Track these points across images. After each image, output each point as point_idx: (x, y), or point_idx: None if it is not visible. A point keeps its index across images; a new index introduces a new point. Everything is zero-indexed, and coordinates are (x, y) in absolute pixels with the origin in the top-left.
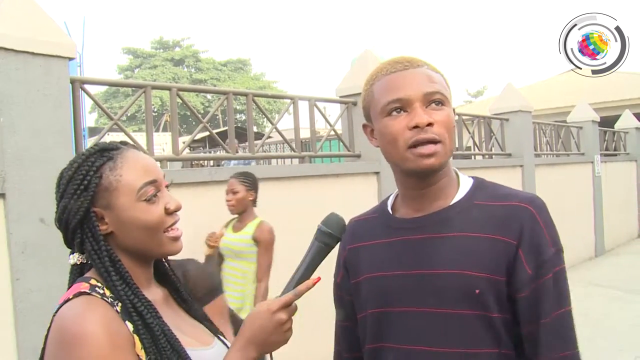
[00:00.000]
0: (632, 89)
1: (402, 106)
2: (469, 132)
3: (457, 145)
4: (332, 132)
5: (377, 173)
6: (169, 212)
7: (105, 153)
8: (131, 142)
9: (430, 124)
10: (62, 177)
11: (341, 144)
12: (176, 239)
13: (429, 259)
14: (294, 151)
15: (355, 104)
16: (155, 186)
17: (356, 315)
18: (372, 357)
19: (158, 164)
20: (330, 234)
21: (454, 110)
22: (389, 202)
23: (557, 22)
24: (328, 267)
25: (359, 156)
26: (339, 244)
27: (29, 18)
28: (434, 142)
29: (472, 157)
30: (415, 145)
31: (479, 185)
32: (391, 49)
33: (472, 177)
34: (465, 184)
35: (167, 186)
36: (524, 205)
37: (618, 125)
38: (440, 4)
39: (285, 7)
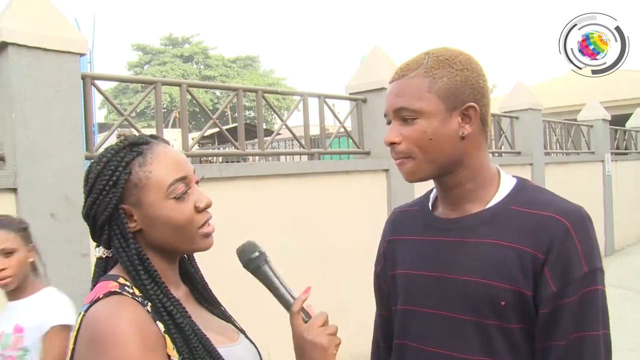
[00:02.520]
0: None
1: (388, 120)
2: None
3: None
4: (342, 129)
5: (386, 170)
6: (198, 210)
7: (135, 148)
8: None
9: (393, 143)
10: (91, 171)
11: (350, 141)
12: (208, 235)
13: (457, 264)
14: (304, 148)
15: (365, 101)
16: (186, 183)
17: (391, 306)
18: (397, 352)
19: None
20: (248, 260)
21: (472, 106)
22: (432, 196)
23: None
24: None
25: (368, 153)
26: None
27: (41, 14)
28: (398, 159)
29: None
30: (394, 159)
31: (520, 188)
32: (401, 46)
33: (516, 178)
34: (505, 186)
35: (197, 182)
36: (558, 218)
37: (629, 124)
38: (450, 1)
39: (294, 3)
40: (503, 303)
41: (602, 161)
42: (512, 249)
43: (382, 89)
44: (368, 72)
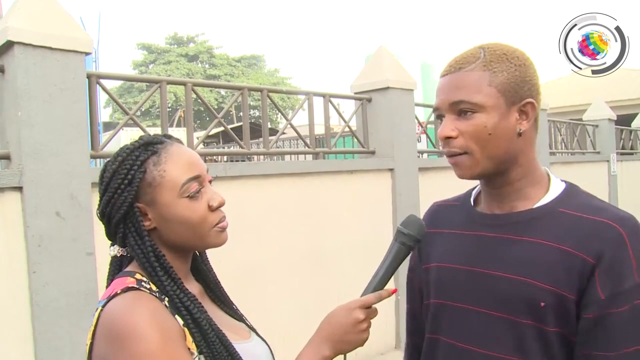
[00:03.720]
0: None
1: (439, 115)
2: None
3: None
4: (347, 129)
5: (391, 170)
6: (212, 209)
7: (150, 147)
8: (175, 136)
9: (449, 137)
10: (106, 170)
11: (355, 140)
12: (223, 229)
13: (498, 260)
14: (308, 147)
15: (369, 100)
16: (199, 182)
17: (423, 300)
18: (428, 347)
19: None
20: (410, 235)
21: (530, 102)
22: (474, 193)
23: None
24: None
25: (373, 152)
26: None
27: (46, 13)
28: (454, 155)
29: None
30: (448, 155)
31: (571, 192)
32: (406, 45)
33: (566, 183)
34: (555, 189)
35: (210, 181)
36: (613, 225)
37: (635, 124)
38: (453, 2)
39: (299, 3)
40: (543, 304)
41: (608, 161)
42: (559, 250)
43: (387, 88)
44: (373, 72)
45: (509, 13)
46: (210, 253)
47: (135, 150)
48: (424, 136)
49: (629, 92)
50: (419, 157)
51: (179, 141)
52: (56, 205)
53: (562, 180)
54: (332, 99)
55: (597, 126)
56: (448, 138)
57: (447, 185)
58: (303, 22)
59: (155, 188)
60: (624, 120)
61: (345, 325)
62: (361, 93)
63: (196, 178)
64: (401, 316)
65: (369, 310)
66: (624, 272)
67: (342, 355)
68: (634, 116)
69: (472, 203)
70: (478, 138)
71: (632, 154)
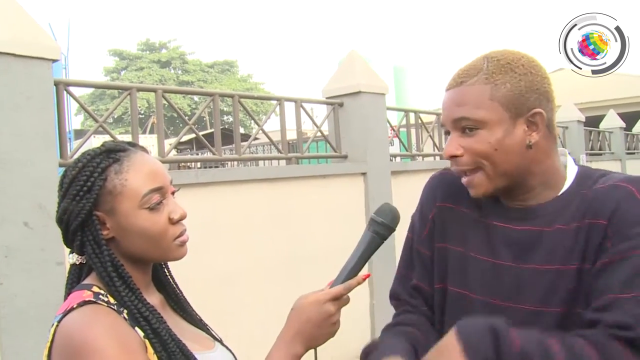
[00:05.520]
0: (616, 90)
1: (446, 131)
2: None
3: (444, 146)
4: (319, 134)
5: (363, 174)
6: (172, 222)
7: (112, 154)
8: (139, 144)
9: (454, 156)
10: (66, 175)
11: (328, 145)
12: (182, 244)
13: (526, 254)
14: (281, 152)
15: (341, 105)
16: (161, 193)
17: (432, 276)
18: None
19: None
20: (383, 223)
21: (538, 113)
22: None
23: (549, 22)
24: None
25: (345, 157)
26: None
27: (11, 19)
28: (465, 173)
29: None
30: (458, 174)
31: (584, 174)
32: (378, 49)
33: (577, 166)
34: (571, 174)
35: (173, 193)
36: (623, 184)
37: (603, 125)
38: (432, 3)
39: (272, 9)
40: (570, 287)
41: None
42: (581, 228)
43: (359, 92)
44: (344, 76)
45: (500, 13)
46: (183, 261)
47: (97, 157)
48: (396, 140)
49: (597, 94)
50: (391, 160)
51: (144, 150)
52: (24, 215)
53: (575, 164)
54: (305, 104)
55: (566, 128)
56: (454, 157)
57: (420, 189)
58: (275, 27)
59: (116, 197)
60: (592, 122)
61: (316, 320)
62: (333, 98)
63: (158, 189)
64: (376, 317)
65: (339, 302)
66: (629, 220)
67: (313, 350)
68: (601, 117)
69: None
70: (485, 155)
71: (600, 154)
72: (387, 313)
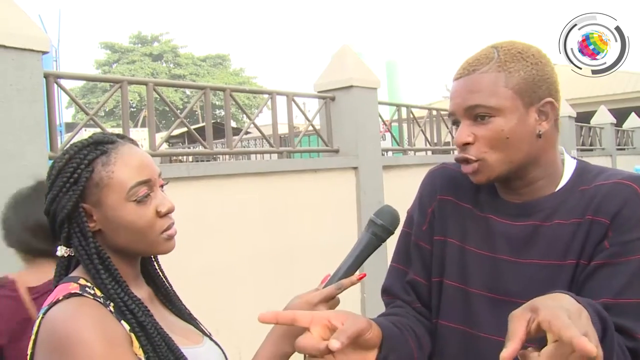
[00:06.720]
0: (607, 86)
1: (455, 120)
2: (447, 127)
3: (435, 140)
4: (311, 128)
5: (355, 168)
6: (160, 215)
7: (100, 146)
8: (128, 136)
9: (466, 144)
10: (53, 167)
11: (320, 139)
12: (170, 237)
13: (525, 249)
14: (272, 146)
15: (333, 99)
16: (149, 186)
17: (430, 270)
18: (442, 334)
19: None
20: (383, 225)
21: (549, 102)
22: None
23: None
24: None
25: (337, 151)
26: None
27: (0, 10)
28: (468, 161)
29: (451, 152)
30: (460, 161)
31: (583, 169)
32: (371, 43)
33: (576, 160)
34: (569, 169)
35: (162, 186)
36: (627, 183)
37: (594, 121)
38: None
39: (265, 3)
40: (569, 281)
41: None
42: (581, 224)
43: (351, 87)
44: (336, 71)
45: (491, 10)
46: (173, 255)
47: (84, 148)
48: (388, 134)
49: (588, 90)
50: (383, 155)
51: (133, 142)
52: None
53: (573, 158)
54: (297, 98)
55: None
56: (465, 144)
57: (412, 183)
58: (268, 21)
59: (102, 189)
60: (583, 118)
61: None
62: (325, 92)
63: (146, 182)
64: (367, 311)
65: (331, 303)
66: (632, 222)
67: None
68: (592, 113)
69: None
70: (496, 143)
71: (591, 149)
72: (378, 306)
